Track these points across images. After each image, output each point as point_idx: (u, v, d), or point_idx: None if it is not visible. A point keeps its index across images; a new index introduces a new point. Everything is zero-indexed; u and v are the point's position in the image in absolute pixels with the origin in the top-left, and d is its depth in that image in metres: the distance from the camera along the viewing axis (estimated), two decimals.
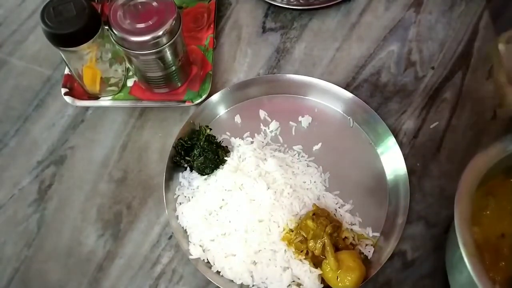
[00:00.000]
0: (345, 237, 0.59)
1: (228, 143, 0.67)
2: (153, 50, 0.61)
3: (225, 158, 0.64)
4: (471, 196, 0.49)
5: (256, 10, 0.80)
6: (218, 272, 0.59)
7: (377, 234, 0.61)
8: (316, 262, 0.57)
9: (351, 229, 0.61)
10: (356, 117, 0.69)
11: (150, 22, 0.60)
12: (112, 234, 0.64)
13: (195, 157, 0.63)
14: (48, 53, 0.76)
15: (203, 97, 0.69)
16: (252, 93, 0.71)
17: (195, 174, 0.64)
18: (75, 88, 0.70)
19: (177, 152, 0.65)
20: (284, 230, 0.59)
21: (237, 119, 0.70)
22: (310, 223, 0.58)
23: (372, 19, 0.78)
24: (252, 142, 0.67)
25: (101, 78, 0.67)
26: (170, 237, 0.63)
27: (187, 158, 0.64)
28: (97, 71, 0.66)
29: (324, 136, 0.68)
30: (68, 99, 0.69)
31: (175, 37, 0.62)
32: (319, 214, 0.59)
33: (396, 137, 0.66)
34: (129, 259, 0.62)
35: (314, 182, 0.64)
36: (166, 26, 0.60)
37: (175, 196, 0.64)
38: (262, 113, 0.70)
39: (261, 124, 0.69)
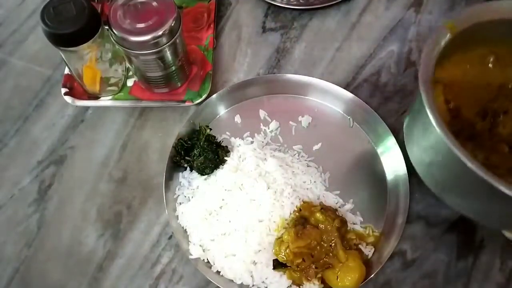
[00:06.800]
0: (350, 238, 0.59)
1: (228, 143, 0.67)
2: (153, 50, 0.61)
3: (225, 158, 0.64)
4: (434, 60, 0.50)
5: (256, 10, 0.80)
6: (218, 272, 0.59)
7: (377, 234, 0.61)
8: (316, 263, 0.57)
9: (353, 229, 0.61)
10: (356, 117, 0.69)
11: (150, 22, 0.60)
12: (112, 234, 0.64)
13: (195, 157, 0.63)
14: (48, 53, 0.76)
15: (203, 97, 0.69)
16: (252, 93, 0.71)
17: (195, 174, 0.64)
18: (75, 88, 0.70)
19: (177, 152, 0.65)
20: (278, 227, 0.59)
21: (237, 119, 0.70)
22: (319, 216, 0.58)
23: (372, 19, 0.78)
24: (252, 142, 0.67)
25: (101, 78, 0.67)
26: (170, 237, 0.63)
27: (187, 158, 0.64)
28: (97, 71, 0.66)
29: (324, 136, 0.68)
30: (68, 99, 0.69)
31: (175, 37, 0.62)
32: (327, 208, 0.59)
33: (396, 137, 0.66)
34: (129, 259, 0.62)
35: (314, 182, 0.64)
36: (166, 26, 0.60)
37: (175, 196, 0.64)
38: (262, 113, 0.70)
39: (261, 124, 0.69)
